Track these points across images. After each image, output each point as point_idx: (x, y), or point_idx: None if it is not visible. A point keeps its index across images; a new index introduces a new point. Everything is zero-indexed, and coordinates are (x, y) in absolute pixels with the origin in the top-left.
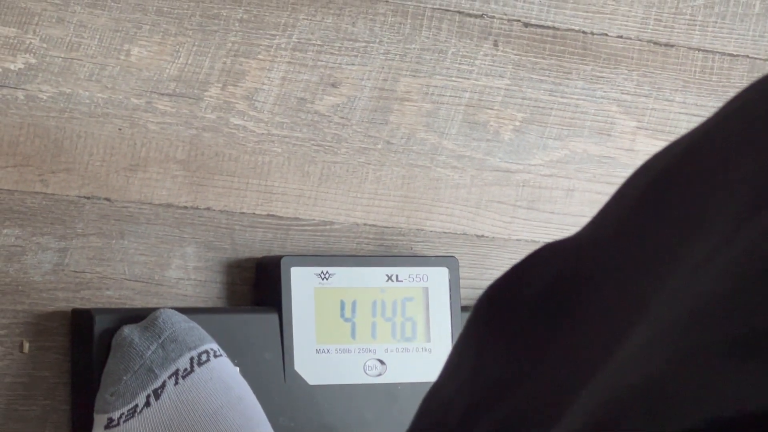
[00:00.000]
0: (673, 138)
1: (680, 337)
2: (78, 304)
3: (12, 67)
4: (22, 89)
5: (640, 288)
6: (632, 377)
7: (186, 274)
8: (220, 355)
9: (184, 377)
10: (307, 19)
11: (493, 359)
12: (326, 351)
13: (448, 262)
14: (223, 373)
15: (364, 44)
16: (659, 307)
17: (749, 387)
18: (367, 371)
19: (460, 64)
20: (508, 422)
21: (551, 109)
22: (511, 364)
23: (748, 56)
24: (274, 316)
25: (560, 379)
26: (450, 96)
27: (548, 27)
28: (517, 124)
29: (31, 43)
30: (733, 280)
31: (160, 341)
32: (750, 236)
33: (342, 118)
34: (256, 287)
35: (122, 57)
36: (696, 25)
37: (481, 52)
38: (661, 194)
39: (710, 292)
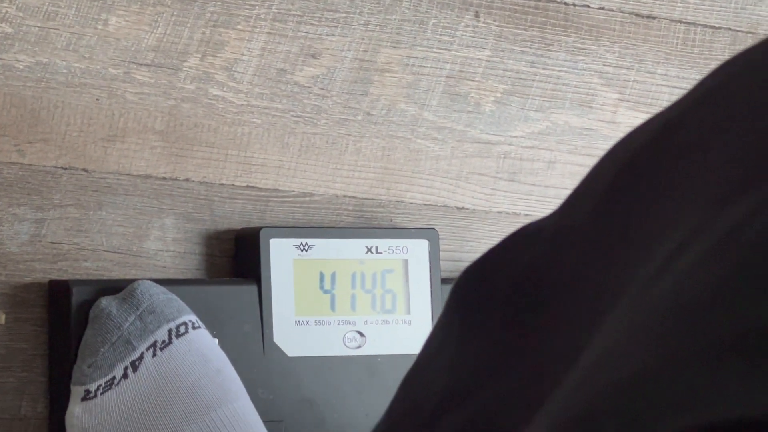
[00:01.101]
0: (654, 110)
1: (662, 335)
2: (55, 276)
3: None
4: None
5: (615, 278)
6: (612, 375)
7: (165, 245)
8: (199, 327)
9: (162, 349)
10: None
11: (472, 346)
12: (305, 323)
13: (428, 234)
14: (202, 345)
15: (344, 15)
16: (633, 297)
17: (738, 391)
18: (347, 343)
19: (440, 35)
20: (484, 412)
21: (533, 80)
22: (488, 352)
23: (730, 29)
24: (253, 288)
25: (537, 371)
26: (431, 67)
27: None
28: (499, 95)
29: (7, 11)
30: (709, 275)
31: (138, 313)
32: (722, 228)
33: (322, 89)
34: (236, 259)
35: (100, 26)
36: None
37: (462, 23)
38: (636, 176)
39: (683, 287)
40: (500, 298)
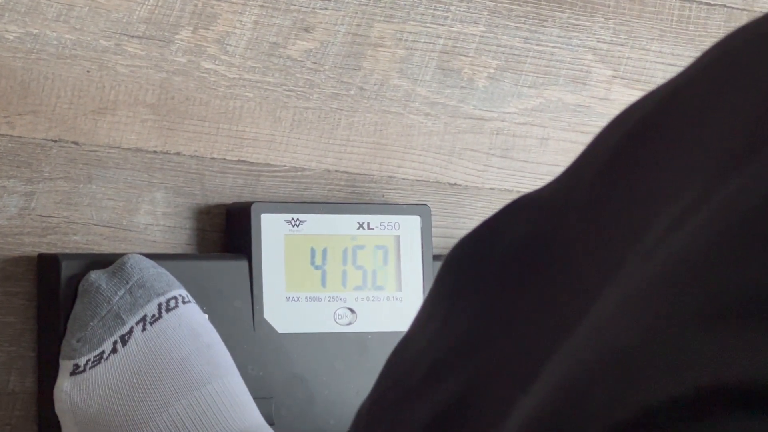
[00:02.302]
0: (648, 88)
1: (653, 302)
2: (44, 249)
3: None
4: None
5: (614, 248)
6: (604, 344)
7: (155, 219)
8: (189, 302)
9: (152, 323)
10: None
11: (462, 316)
12: (296, 299)
13: (421, 210)
14: (192, 320)
15: None
16: (632, 268)
17: (725, 356)
18: (338, 320)
19: (434, 10)
20: (474, 382)
21: (526, 56)
22: (480, 322)
23: (725, 5)
24: (244, 263)
25: (530, 341)
26: (424, 42)
27: None
28: (492, 71)
29: None
30: (706, 241)
31: (127, 287)
32: (723, 196)
33: (315, 63)
34: (226, 234)
35: None
36: None
37: None
38: (636, 148)
39: (682, 254)
40: (495, 267)
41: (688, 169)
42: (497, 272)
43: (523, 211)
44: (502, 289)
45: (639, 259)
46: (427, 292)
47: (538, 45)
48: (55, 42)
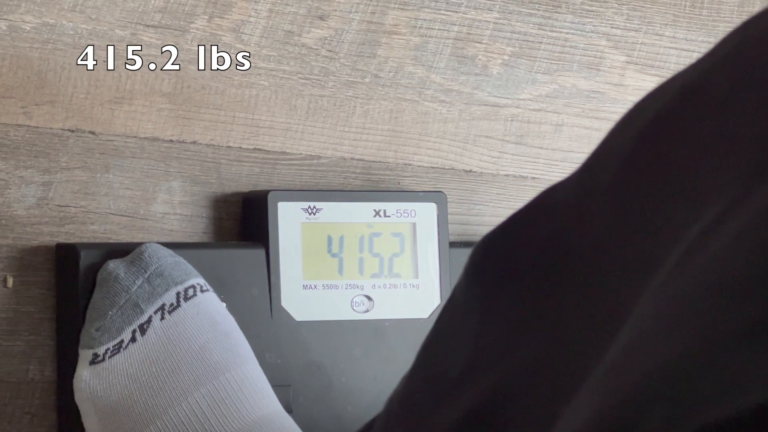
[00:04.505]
0: (662, 73)
1: (699, 317)
2: (62, 239)
3: None
4: (5, 19)
5: (646, 248)
6: (650, 361)
7: (172, 208)
8: (207, 290)
9: (170, 312)
10: None
11: (494, 316)
12: (313, 287)
13: (436, 197)
14: (210, 309)
15: None
16: (667, 276)
17: None
18: (355, 307)
19: None
20: (504, 385)
21: (540, 43)
22: (513, 323)
23: None
24: (261, 252)
25: (563, 343)
26: (438, 29)
27: None
28: (506, 58)
29: None
30: (751, 249)
31: (146, 276)
32: (761, 200)
33: (330, 51)
34: (243, 222)
35: None
36: None
37: None
38: (659, 140)
39: (724, 262)
40: (525, 267)
41: (714, 168)
42: (528, 271)
43: (548, 209)
44: (534, 288)
45: (675, 265)
46: (443, 279)
47: (551, 31)
48: (71, 32)
